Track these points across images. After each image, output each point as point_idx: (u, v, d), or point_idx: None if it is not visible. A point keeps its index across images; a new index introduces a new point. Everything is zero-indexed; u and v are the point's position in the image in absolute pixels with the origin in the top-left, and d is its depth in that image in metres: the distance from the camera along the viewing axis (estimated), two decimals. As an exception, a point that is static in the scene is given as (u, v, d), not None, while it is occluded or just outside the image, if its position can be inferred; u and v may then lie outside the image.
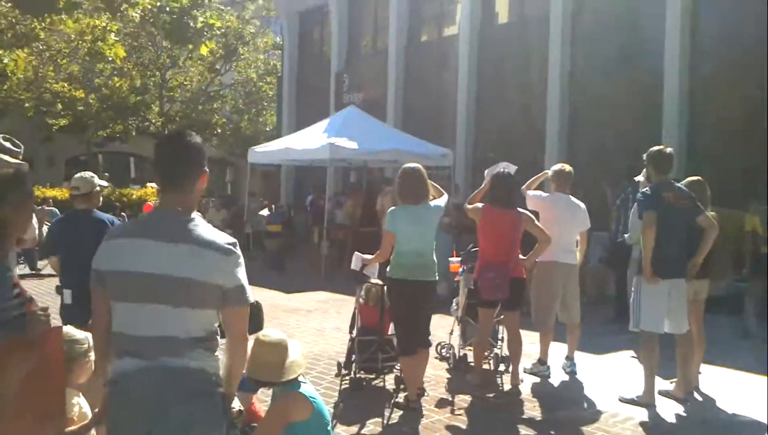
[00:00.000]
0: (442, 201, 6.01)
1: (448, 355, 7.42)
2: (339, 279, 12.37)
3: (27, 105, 21.41)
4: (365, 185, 18.17)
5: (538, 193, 7.10)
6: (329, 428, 4.15)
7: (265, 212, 20.42)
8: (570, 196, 7.05)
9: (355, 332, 6.44)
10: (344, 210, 16.54)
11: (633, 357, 7.60)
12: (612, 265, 10.47)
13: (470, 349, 7.11)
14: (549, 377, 6.92)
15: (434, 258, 5.89)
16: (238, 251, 2.87)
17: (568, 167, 7.11)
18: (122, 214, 17.79)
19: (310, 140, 14.66)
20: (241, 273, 2.85)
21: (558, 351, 7.32)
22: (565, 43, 14.72)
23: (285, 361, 4.08)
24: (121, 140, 28.55)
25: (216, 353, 2.90)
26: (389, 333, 6.39)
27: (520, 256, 6.48)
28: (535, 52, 15.27)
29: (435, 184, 6.21)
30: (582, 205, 7.08)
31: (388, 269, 5.88)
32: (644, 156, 6.40)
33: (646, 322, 6.04)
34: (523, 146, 15.52)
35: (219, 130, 26.99)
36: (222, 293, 2.79)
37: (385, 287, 6.12)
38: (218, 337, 2.91)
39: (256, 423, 4.55)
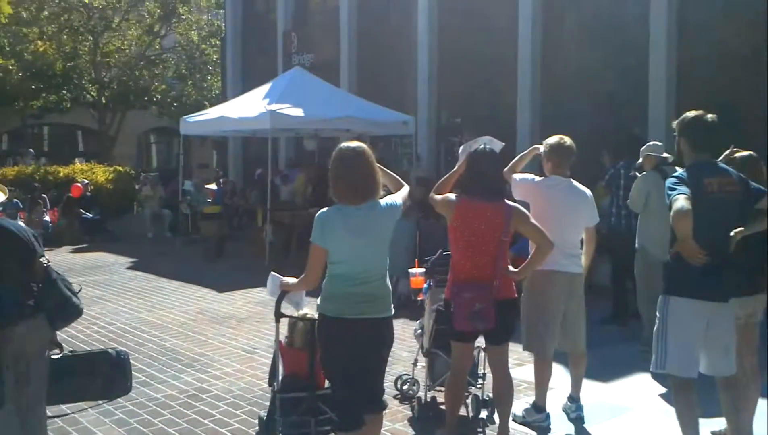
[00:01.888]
0: (399, 196, 4.01)
1: (411, 392, 5.49)
2: (284, 271, 10.33)
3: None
4: (317, 157, 16.16)
5: (528, 176, 5.10)
6: None
7: (214, 187, 18.29)
8: (572, 180, 5.08)
9: (277, 384, 4.42)
10: (292, 187, 14.50)
11: (661, 397, 5.69)
12: (605, 250, 8.64)
13: (441, 390, 5.17)
14: (549, 430, 5.01)
15: (388, 283, 3.89)
16: None
17: (568, 140, 5.11)
18: (43, 195, 15.40)
19: (249, 107, 12.49)
20: None
21: (558, 388, 5.43)
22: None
23: None
24: (60, 111, 25.90)
25: None
26: (326, 386, 4.40)
27: (509, 268, 4.51)
28: (504, 2, 13.18)
29: (389, 172, 4.20)
30: (588, 191, 5.11)
31: (318, 301, 3.88)
32: (674, 124, 4.45)
33: (673, 363, 4.10)
34: (493, 111, 13.55)
35: (158, 97, 24.43)
36: None
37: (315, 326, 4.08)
38: None
39: None
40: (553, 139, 5.11)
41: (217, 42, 23.99)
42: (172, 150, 35.83)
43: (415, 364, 5.49)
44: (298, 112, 11.94)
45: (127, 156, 33.19)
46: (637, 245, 6.84)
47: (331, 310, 3.77)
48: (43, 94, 23.48)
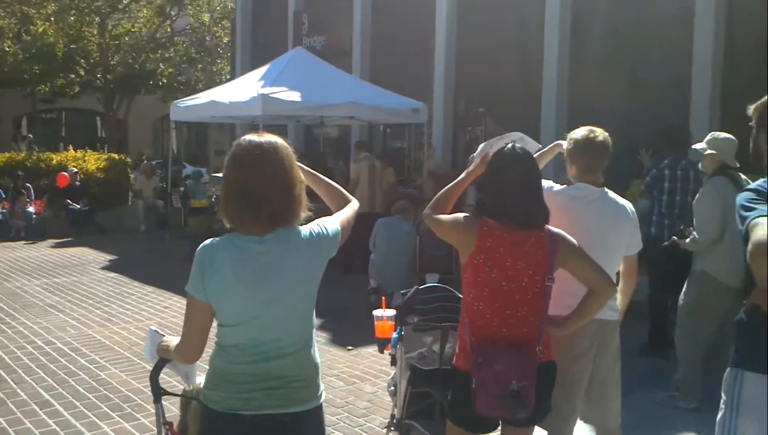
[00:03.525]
0: (337, 220, 2.56)
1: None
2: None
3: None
4: (321, 147, 14.79)
5: (545, 184, 3.59)
6: None
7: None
8: (606, 189, 3.57)
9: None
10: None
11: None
12: (642, 262, 7.11)
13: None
14: None
15: (315, 356, 2.45)
16: None
17: (600, 133, 3.58)
18: (27, 184, 14.15)
19: (242, 91, 11.09)
20: None
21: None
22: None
23: None
24: (70, 96, 24.73)
25: None
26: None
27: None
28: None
29: (324, 179, 2.77)
30: (629, 207, 3.60)
31: (203, 384, 2.46)
32: (750, 110, 2.86)
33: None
34: (517, 100, 12.03)
35: (164, 82, 23.12)
36: None
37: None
38: None
39: None
40: (579, 133, 3.58)
41: (229, 24, 22.68)
42: (192, 136, 34.66)
43: (388, 429, 4.04)
44: (294, 96, 10.53)
45: (143, 142, 32.05)
46: (693, 268, 5.29)
47: (218, 401, 2.34)
48: (49, 77, 22.23)
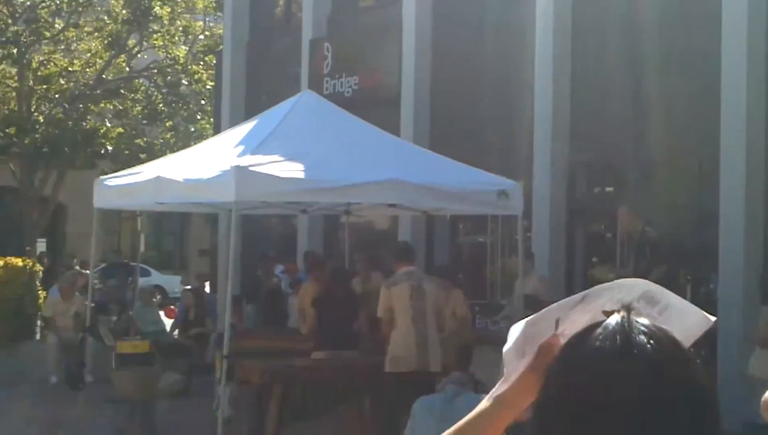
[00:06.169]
0: None
1: None
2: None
3: None
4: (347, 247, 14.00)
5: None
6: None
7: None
8: None
9: None
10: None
11: None
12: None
13: None
14: None
15: None
16: None
17: None
18: None
19: (208, 163, 10.25)
20: None
21: None
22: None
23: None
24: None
25: None
26: None
27: None
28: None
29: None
30: None
31: None
32: None
33: None
34: (681, 167, 11.36)
35: (109, 148, 23.05)
36: None
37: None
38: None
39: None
40: None
41: (215, 61, 22.79)
42: (165, 228, 34.84)
43: None
44: (293, 171, 9.57)
45: (86, 237, 32.08)
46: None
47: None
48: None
